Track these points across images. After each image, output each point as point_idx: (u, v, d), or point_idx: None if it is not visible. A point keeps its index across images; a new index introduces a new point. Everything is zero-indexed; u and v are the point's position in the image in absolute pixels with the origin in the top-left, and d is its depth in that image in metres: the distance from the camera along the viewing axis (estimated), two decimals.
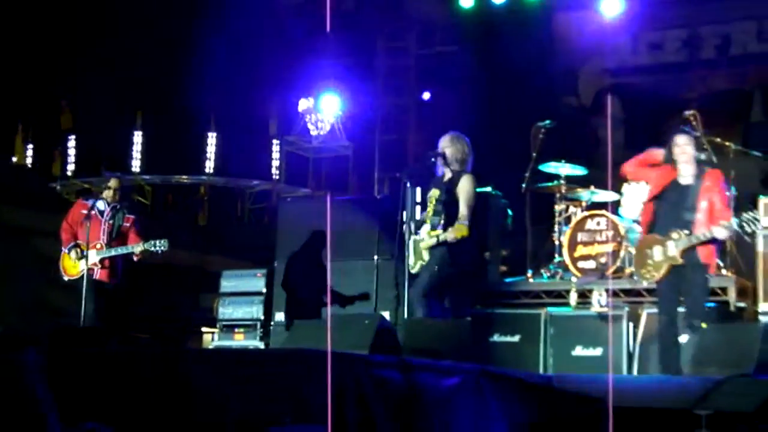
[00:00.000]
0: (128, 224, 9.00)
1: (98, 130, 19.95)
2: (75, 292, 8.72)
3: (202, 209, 20.11)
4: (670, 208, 7.37)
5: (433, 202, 7.79)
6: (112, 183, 9.06)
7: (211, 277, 10.90)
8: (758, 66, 11.71)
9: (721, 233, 7.17)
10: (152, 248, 8.66)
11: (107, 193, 8.99)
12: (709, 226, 7.16)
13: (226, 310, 10.20)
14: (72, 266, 8.86)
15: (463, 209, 7.66)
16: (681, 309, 7.40)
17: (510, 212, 10.40)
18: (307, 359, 4.07)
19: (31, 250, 12.17)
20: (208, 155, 20.54)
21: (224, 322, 10.21)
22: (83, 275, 8.69)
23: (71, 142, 21.22)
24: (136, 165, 20.56)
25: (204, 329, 11.73)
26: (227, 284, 10.32)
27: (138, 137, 20.72)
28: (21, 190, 14.00)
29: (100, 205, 8.94)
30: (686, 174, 7.40)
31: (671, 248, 7.21)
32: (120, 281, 8.92)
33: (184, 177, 20.62)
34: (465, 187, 7.74)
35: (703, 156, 7.50)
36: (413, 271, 7.84)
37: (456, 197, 7.69)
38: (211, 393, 4.02)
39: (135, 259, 8.83)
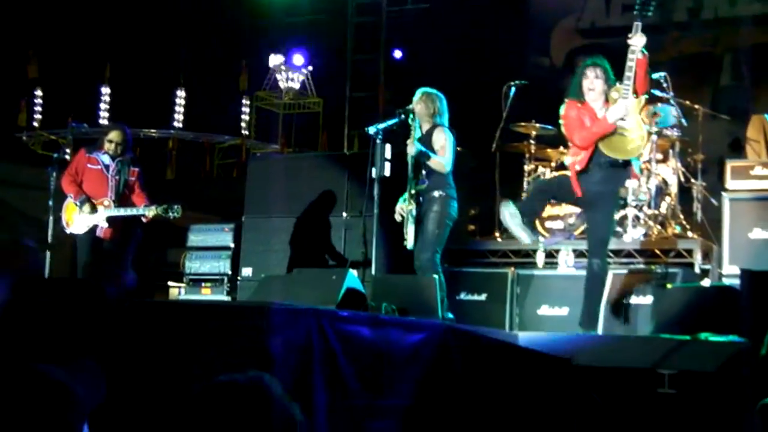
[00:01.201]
0: (133, 178, 8.71)
1: (66, 81, 19.70)
2: (43, 246, 8.58)
3: (170, 163, 19.95)
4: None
5: (410, 161, 7.74)
6: (113, 136, 8.65)
7: (179, 232, 10.81)
8: (729, 29, 11.74)
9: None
10: (164, 214, 8.40)
11: (108, 147, 8.60)
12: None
13: (193, 265, 10.16)
14: (78, 219, 8.58)
15: (439, 156, 7.62)
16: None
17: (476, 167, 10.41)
18: (273, 313, 4.06)
19: None
20: (176, 109, 20.36)
21: (191, 277, 10.18)
22: (88, 230, 8.49)
23: (38, 92, 20.95)
24: (104, 118, 20.33)
25: (171, 283, 11.67)
26: (194, 238, 10.28)
27: (106, 90, 20.48)
28: None
29: (105, 159, 8.62)
30: (599, 108, 7.05)
31: (623, 98, 6.91)
32: (119, 239, 8.64)
33: (153, 131, 20.43)
34: (438, 140, 7.69)
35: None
36: (409, 247, 7.71)
37: (430, 151, 7.65)
38: (175, 346, 4.02)
39: (145, 221, 8.57)
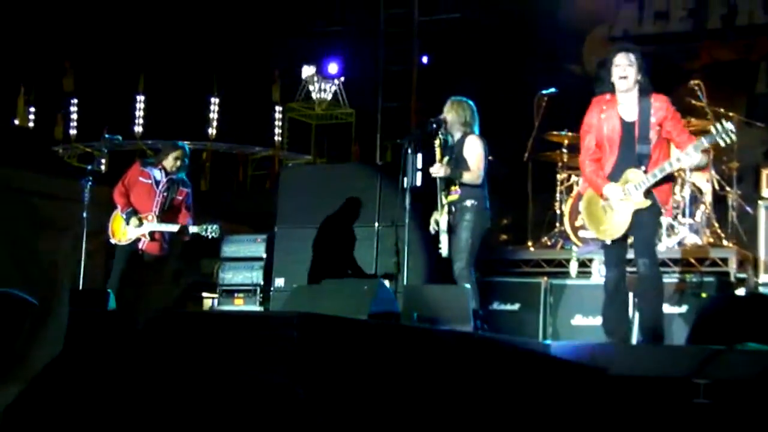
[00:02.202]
0: (181, 197, 8.82)
1: (101, 92, 19.87)
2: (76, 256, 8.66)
3: (203, 175, 20.05)
4: (620, 150, 6.55)
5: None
6: (179, 154, 8.81)
7: (213, 243, 10.86)
8: (764, 37, 11.64)
9: (688, 160, 6.38)
10: (203, 233, 8.59)
11: (167, 163, 8.75)
12: (668, 158, 6.46)
13: (226, 276, 10.20)
14: (123, 232, 8.68)
15: (473, 167, 7.59)
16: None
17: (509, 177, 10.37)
18: (301, 322, 4.05)
19: (33, 212, 12.13)
20: (210, 121, 20.47)
21: (224, 287, 10.22)
22: (131, 243, 8.63)
23: (73, 106, 21.14)
24: (138, 129, 20.49)
25: (205, 294, 11.73)
26: (227, 249, 10.32)
27: (140, 101, 20.64)
28: (23, 153, 13.96)
29: (157, 174, 8.75)
30: (629, 105, 6.56)
31: (632, 192, 6.49)
32: (166, 254, 8.71)
33: (187, 142, 20.54)
34: (472, 149, 7.65)
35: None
36: (443, 253, 7.66)
37: (464, 161, 7.62)
38: (204, 355, 4.01)
39: (186, 239, 8.67)
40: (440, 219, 7.58)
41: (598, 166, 6.68)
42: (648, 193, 6.49)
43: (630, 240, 6.82)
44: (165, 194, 8.73)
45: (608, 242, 6.73)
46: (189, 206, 8.85)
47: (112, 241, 8.74)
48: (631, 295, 7.58)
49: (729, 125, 6.31)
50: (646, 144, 6.49)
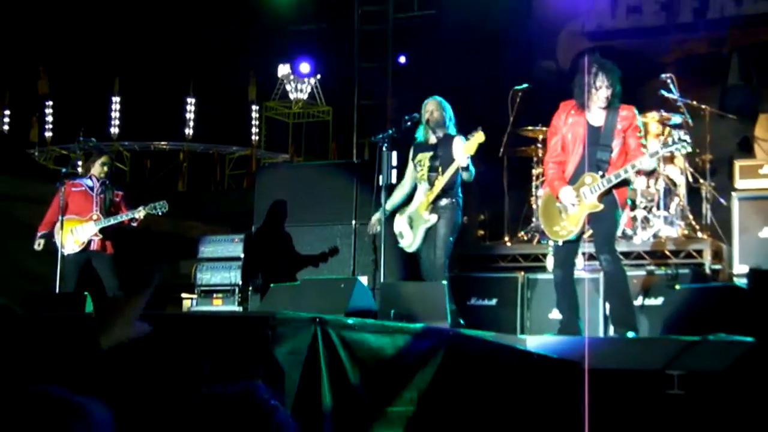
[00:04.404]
0: (118, 199, 9.14)
1: (76, 96, 19.80)
2: (54, 259, 8.74)
3: (181, 175, 20.02)
4: (584, 155, 6.76)
5: (426, 164, 7.77)
6: (105, 159, 9.18)
7: (190, 244, 10.86)
8: (735, 29, 11.70)
9: (646, 163, 6.66)
10: (153, 211, 8.86)
11: (95, 169, 9.08)
12: (624, 164, 6.67)
13: (204, 276, 10.17)
14: (75, 240, 8.88)
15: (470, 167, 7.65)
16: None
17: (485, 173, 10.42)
18: (277, 322, 4.07)
19: (8, 217, 12.09)
20: (187, 121, 20.44)
21: (202, 288, 10.20)
22: (83, 249, 8.83)
23: (49, 109, 21.07)
24: (114, 131, 20.43)
25: (183, 295, 11.71)
26: (205, 250, 10.29)
27: (116, 103, 20.58)
28: None
29: (88, 182, 9.06)
30: (597, 113, 6.82)
31: (587, 195, 6.74)
32: (113, 250, 9.00)
33: (164, 143, 20.53)
34: (463, 150, 7.67)
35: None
36: (410, 250, 7.81)
37: (450, 159, 7.66)
38: (180, 358, 4.03)
39: (135, 224, 9.02)
40: (404, 216, 7.70)
41: (560, 168, 6.93)
42: (603, 197, 6.68)
43: (588, 233, 7.01)
44: (102, 196, 9.02)
45: (559, 243, 6.96)
46: (127, 206, 9.14)
47: (65, 252, 8.82)
48: (601, 289, 7.71)
49: (685, 136, 6.67)
50: (607, 151, 6.74)
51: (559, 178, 6.88)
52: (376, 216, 7.87)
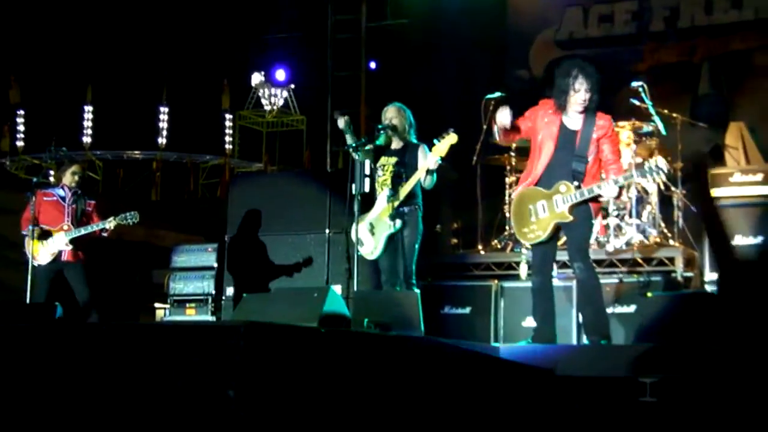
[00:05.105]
0: (90, 209, 9.10)
1: (48, 104, 19.70)
2: (24, 269, 8.69)
3: (154, 184, 19.94)
4: (555, 156, 6.73)
5: (390, 169, 7.75)
6: (76, 168, 9.16)
7: (164, 253, 10.82)
8: (706, 38, 11.81)
9: (609, 191, 6.63)
10: (124, 221, 8.81)
11: (66, 179, 9.04)
12: (598, 181, 6.64)
13: (177, 285, 10.15)
14: (46, 251, 8.83)
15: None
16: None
17: (458, 181, 10.44)
18: (247, 332, 4.05)
19: None
20: (160, 130, 20.37)
21: (175, 297, 10.17)
22: (54, 259, 8.80)
23: (20, 118, 20.94)
24: (86, 140, 20.33)
25: (157, 305, 11.66)
26: (178, 259, 10.27)
27: (88, 112, 20.48)
28: None
29: (60, 192, 9.03)
30: (574, 117, 6.77)
31: (559, 204, 6.72)
32: (85, 260, 8.95)
33: (136, 152, 20.45)
34: (428, 157, 7.65)
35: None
36: (372, 257, 7.77)
37: (416, 166, 7.64)
38: (150, 368, 4.00)
39: (105, 235, 8.95)
40: (364, 223, 7.66)
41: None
42: (575, 207, 6.67)
43: (561, 241, 7.04)
44: (74, 206, 8.99)
45: (531, 247, 6.98)
46: (99, 216, 9.08)
47: (34, 263, 8.76)
48: (574, 297, 7.74)
49: (662, 162, 6.56)
50: (583, 162, 6.70)
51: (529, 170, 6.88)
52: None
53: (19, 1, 17.32)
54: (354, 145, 7.63)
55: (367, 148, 7.71)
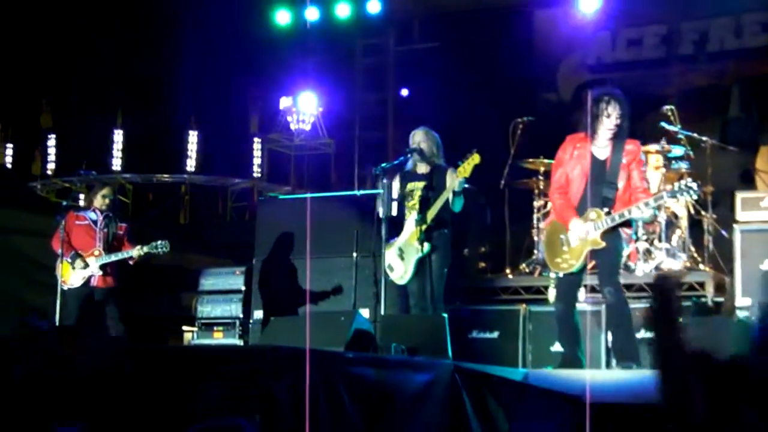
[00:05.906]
0: (122, 232, 9.20)
1: (79, 128, 19.87)
2: (54, 292, 8.76)
3: (183, 208, 20.03)
4: (587, 188, 6.76)
5: (418, 194, 7.77)
6: (106, 191, 9.24)
7: (192, 276, 10.85)
8: (736, 61, 11.74)
9: (639, 213, 6.66)
10: (154, 250, 8.90)
11: (97, 202, 9.14)
12: (627, 206, 6.65)
13: (205, 309, 10.16)
14: (73, 275, 8.91)
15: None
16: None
17: (486, 205, 10.42)
18: (277, 356, 4.05)
19: (10, 249, 12.09)
20: (189, 153, 20.47)
21: (203, 321, 10.18)
22: (84, 283, 8.89)
23: (51, 141, 21.12)
24: (116, 164, 20.47)
25: (184, 328, 11.69)
26: (206, 282, 10.29)
27: (119, 135, 20.63)
28: (1, 191, 13.91)
29: (92, 215, 9.11)
30: (603, 145, 6.82)
31: (591, 230, 6.71)
32: (116, 285, 9.05)
33: (166, 176, 20.56)
34: (456, 181, 7.65)
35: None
36: (402, 282, 7.78)
37: (444, 190, 7.66)
38: (179, 391, 4.01)
39: (131, 262, 9.03)
40: (393, 249, 7.64)
41: (567, 197, 6.90)
42: (606, 233, 6.65)
43: (591, 265, 6.97)
44: (105, 230, 9.08)
45: (561, 275, 6.93)
46: (130, 239, 9.18)
47: (64, 287, 8.84)
48: (603, 321, 7.68)
49: (692, 183, 6.53)
50: (613, 188, 6.73)
51: (569, 207, 6.84)
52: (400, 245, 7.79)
53: (51, 26, 17.49)
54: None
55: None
